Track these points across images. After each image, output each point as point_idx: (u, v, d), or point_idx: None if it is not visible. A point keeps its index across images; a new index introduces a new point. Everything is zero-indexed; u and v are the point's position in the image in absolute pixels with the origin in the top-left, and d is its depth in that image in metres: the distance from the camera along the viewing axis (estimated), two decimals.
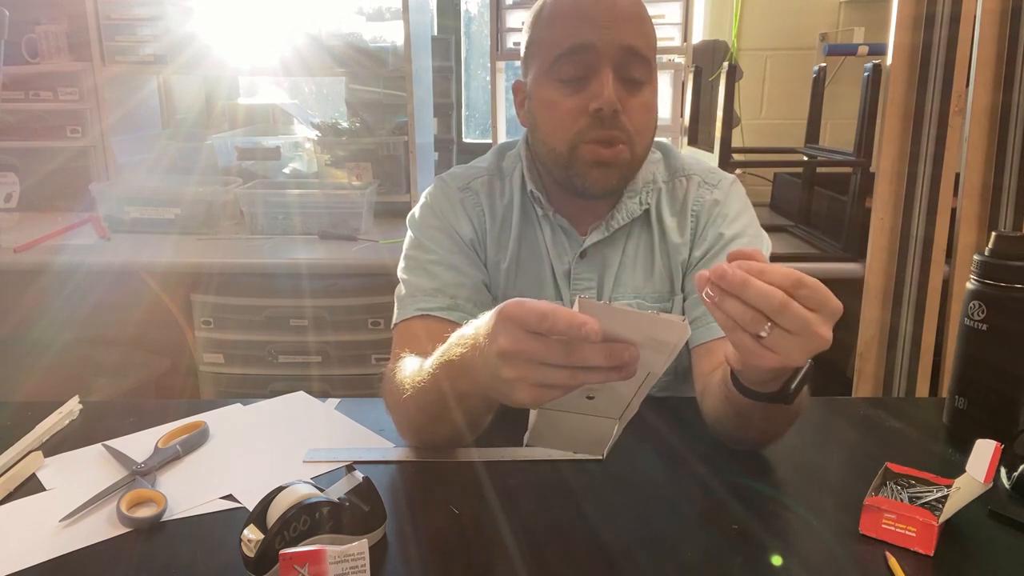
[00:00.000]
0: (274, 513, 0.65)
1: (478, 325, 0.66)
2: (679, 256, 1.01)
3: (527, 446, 0.69)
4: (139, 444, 0.88)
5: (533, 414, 0.67)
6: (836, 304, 0.61)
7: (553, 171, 0.96)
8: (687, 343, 0.96)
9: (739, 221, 1.00)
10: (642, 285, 1.01)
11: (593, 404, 0.64)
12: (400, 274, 1.01)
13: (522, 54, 0.98)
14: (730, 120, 1.94)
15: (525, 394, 0.59)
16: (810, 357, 0.63)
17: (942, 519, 0.69)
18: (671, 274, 1.02)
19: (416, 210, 1.05)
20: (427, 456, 0.86)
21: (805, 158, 2.15)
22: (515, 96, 1.01)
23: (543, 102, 0.93)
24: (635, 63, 0.90)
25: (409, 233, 1.04)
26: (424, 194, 1.06)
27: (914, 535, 0.69)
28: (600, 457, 0.70)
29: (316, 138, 2.31)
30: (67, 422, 0.95)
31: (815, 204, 2.13)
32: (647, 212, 1.01)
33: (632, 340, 0.57)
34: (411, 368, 0.82)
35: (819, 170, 2.15)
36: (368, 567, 0.59)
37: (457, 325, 0.74)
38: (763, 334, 0.60)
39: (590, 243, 1.00)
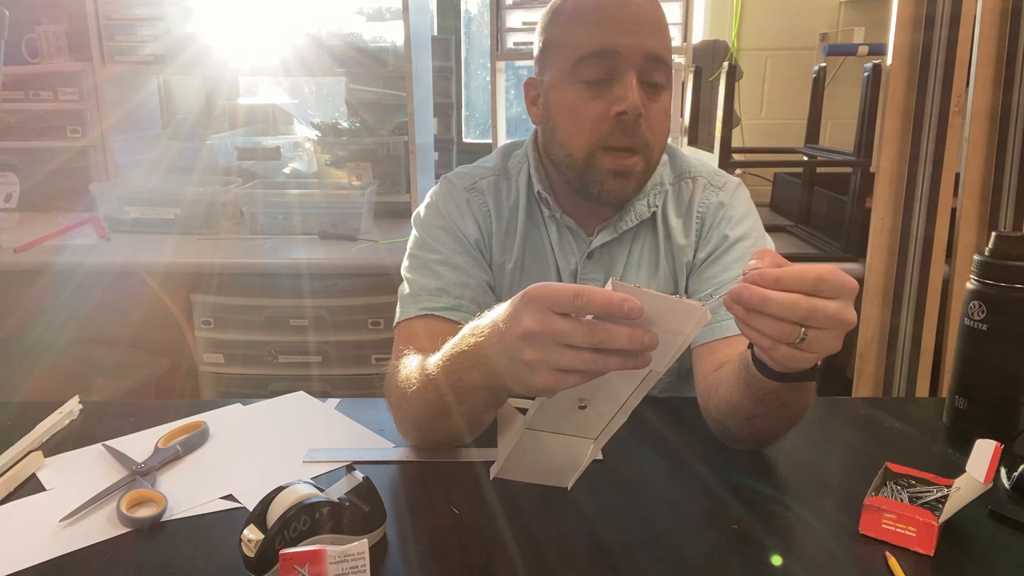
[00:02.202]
0: (274, 513, 0.65)
1: (495, 315, 0.66)
2: (684, 257, 1.01)
3: (494, 478, 0.70)
4: (139, 444, 0.88)
5: (511, 439, 0.67)
6: (853, 284, 0.62)
7: (567, 174, 0.96)
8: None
9: (744, 224, 1.00)
10: (646, 285, 1.01)
11: (583, 415, 0.65)
12: (404, 273, 1.01)
13: (536, 52, 0.97)
14: (730, 120, 1.94)
15: (545, 378, 0.59)
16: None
17: (942, 519, 0.69)
18: (675, 275, 1.02)
19: (421, 209, 1.05)
20: (427, 456, 0.86)
21: (805, 158, 2.15)
22: (526, 92, 1.00)
23: (563, 104, 0.93)
24: (657, 69, 0.90)
25: (414, 232, 1.04)
26: (430, 193, 1.06)
27: (914, 535, 0.69)
28: (566, 488, 0.71)
29: (316, 138, 2.31)
30: (67, 422, 0.95)
31: (815, 204, 2.13)
32: (653, 213, 1.01)
33: (650, 329, 0.58)
34: (416, 364, 0.81)
35: (819, 170, 2.15)
36: (368, 567, 0.59)
37: (460, 326, 0.74)
38: (798, 341, 0.61)
39: (598, 244, 1.00)
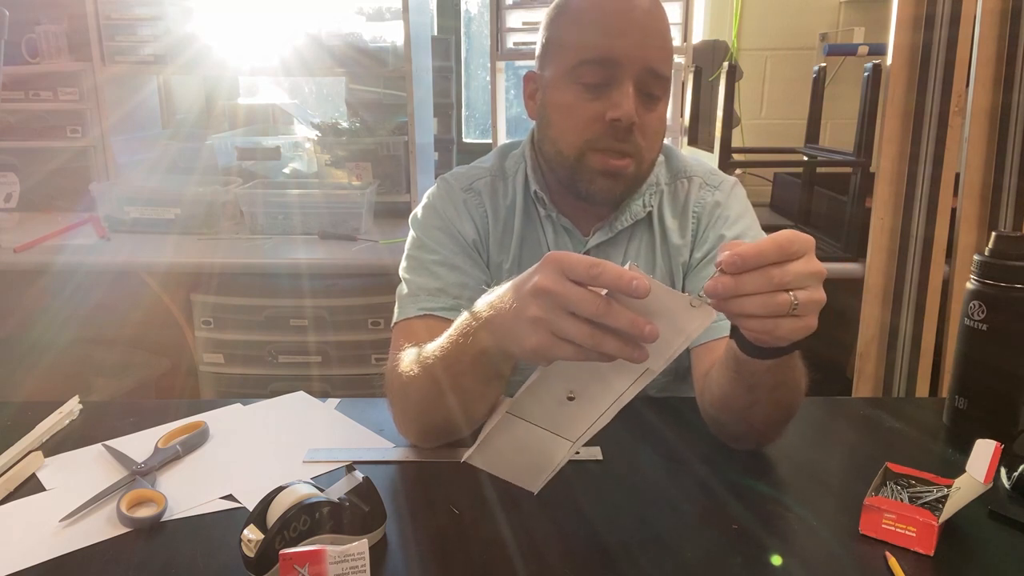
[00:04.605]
0: (274, 513, 0.65)
1: (508, 283, 0.67)
2: (680, 257, 1.01)
3: (464, 461, 0.68)
4: (139, 444, 0.88)
5: (492, 422, 0.66)
6: (809, 238, 0.63)
7: (558, 172, 0.96)
8: None
9: (740, 223, 1.00)
10: None
11: (569, 410, 0.64)
12: (402, 273, 1.02)
13: (539, 47, 0.98)
14: (730, 120, 1.94)
15: (540, 339, 0.60)
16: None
17: (942, 519, 0.69)
18: (672, 275, 1.02)
19: (419, 210, 1.05)
20: (427, 456, 0.87)
21: (805, 158, 2.15)
22: (525, 86, 1.01)
23: (559, 103, 0.93)
24: (655, 82, 0.91)
25: (411, 233, 1.04)
26: (427, 194, 1.06)
27: (914, 535, 0.69)
28: (533, 492, 0.71)
29: (316, 138, 2.31)
30: (67, 422, 0.95)
31: (815, 204, 2.13)
32: (649, 213, 1.02)
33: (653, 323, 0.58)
34: (415, 352, 0.82)
35: (819, 170, 2.15)
36: (368, 567, 0.59)
37: None
38: (792, 309, 0.61)
39: (593, 244, 1.00)
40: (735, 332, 0.72)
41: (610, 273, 0.58)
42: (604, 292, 0.59)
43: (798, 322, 0.62)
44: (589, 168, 0.92)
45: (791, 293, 0.61)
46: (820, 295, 0.63)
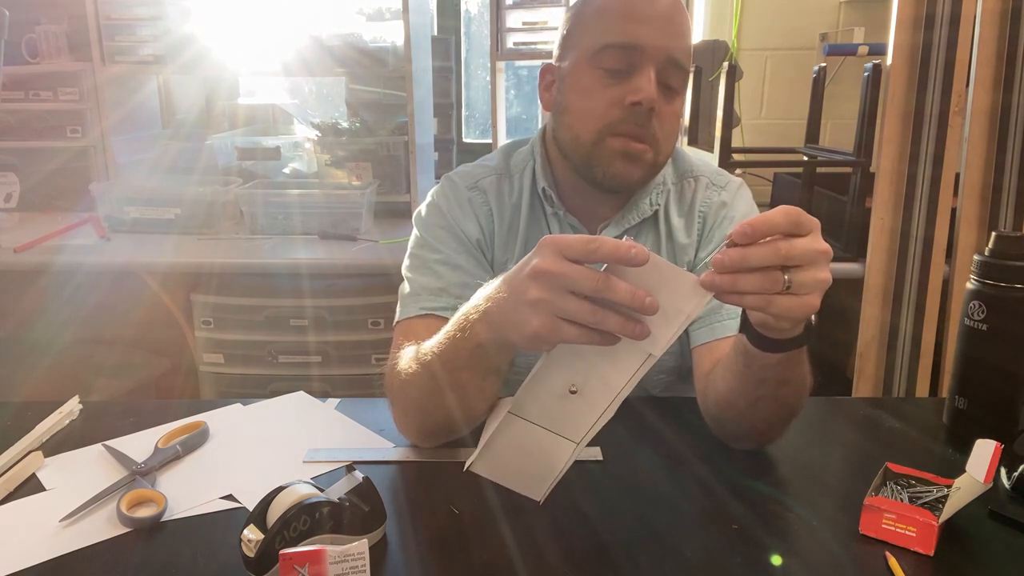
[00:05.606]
0: (274, 513, 0.65)
1: (500, 277, 0.67)
2: (685, 256, 1.01)
3: (467, 470, 0.68)
4: (139, 444, 0.88)
5: (493, 424, 0.66)
6: (815, 219, 0.63)
7: (573, 158, 0.96)
8: (688, 338, 0.97)
9: None
10: None
11: (572, 405, 0.64)
12: (405, 272, 1.01)
13: (559, 38, 0.98)
14: (730, 120, 1.94)
15: (543, 321, 0.60)
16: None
17: (942, 519, 0.69)
18: None
19: (423, 208, 1.05)
20: (427, 456, 0.87)
21: (805, 158, 2.15)
22: (542, 78, 1.01)
23: (579, 87, 0.93)
24: (675, 73, 0.91)
25: (415, 231, 1.04)
26: (431, 192, 1.06)
27: (914, 535, 0.69)
28: (538, 501, 0.70)
29: (316, 138, 2.31)
30: (67, 422, 0.95)
31: (815, 204, 2.12)
32: (655, 212, 1.02)
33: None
34: (415, 349, 0.82)
35: (819, 170, 2.15)
36: (368, 567, 0.59)
37: None
38: (789, 286, 0.61)
39: None
40: (745, 326, 0.72)
41: (608, 245, 0.58)
42: (603, 269, 0.59)
43: (795, 300, 0.62)
44: (608, 150, 0.92)
45: (786, 276, 0.61)
46: (825, 274, 0.63)
